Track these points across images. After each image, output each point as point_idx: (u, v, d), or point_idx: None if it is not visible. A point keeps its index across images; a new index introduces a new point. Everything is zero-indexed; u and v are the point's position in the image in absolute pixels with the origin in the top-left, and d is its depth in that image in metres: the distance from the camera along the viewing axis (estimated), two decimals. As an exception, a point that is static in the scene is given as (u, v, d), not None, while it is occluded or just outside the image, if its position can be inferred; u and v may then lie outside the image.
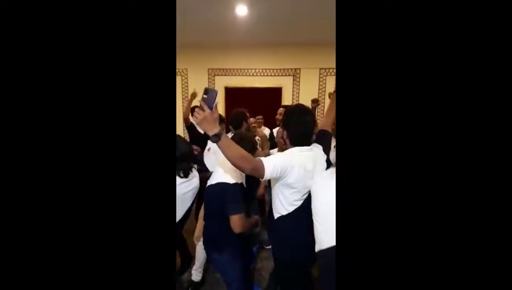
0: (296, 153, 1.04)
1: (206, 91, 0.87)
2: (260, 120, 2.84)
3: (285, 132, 1.11)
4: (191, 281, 1.70)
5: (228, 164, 1.03)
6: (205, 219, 1.29)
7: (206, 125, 0.85)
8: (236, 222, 1.09)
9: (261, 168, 0.93)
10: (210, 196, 1.19)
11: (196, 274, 1.71)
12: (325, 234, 0.87)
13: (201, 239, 1.65)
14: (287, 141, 1.10)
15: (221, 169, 1.19)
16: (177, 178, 1.14)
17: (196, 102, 2.71)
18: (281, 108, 2.24)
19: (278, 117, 2.21)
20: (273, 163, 0.95)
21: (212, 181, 1.20)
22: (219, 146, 0.88)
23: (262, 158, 0.96)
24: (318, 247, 0.91)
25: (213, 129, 0.86)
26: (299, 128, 1.06)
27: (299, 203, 1.04)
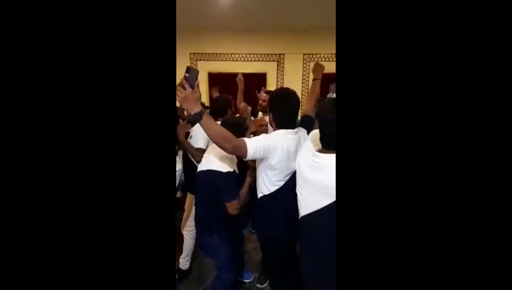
0: (280, 135, 1.06)
1: (188, 70, 0.86)
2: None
3: (270, 115, 1.12)
4: (179, 269, 1.72)
5: (218, 151, 1.06)
6: (196, 204, 1.30)
7: (187, 104, 0.85)
8: (233, 207, 1.13)
9: (243, 148, 0.94)
10: (202, 183, 1.19)
11: (183, 263, 1.72)
12: (303, 203, 0.91)
13: (189, 228, 1.65)
14: (273, 124, 1.12)
15: (212, 155, 1.19)
16: None
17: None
18: (264, 94, 2.20)
19: (262, 103, 2.18)
20: (255, 143, 0.96)
21: (202, 167, 1.20)
22: (201, 125, 0.89)
23: (245, 139, 0.98)
24: (299, 217, 0.95)
25: (194, 108, 0.86)
26: (284, 111, 1.07)
27: (281, 183, 1.07)
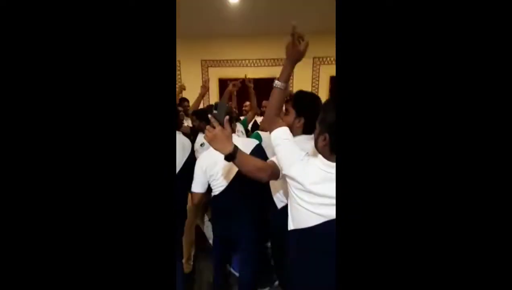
0: (303, 142, 1.00)
1: (216, 106, 0.81)
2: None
3: (299, 120, 1.04)
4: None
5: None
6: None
7: (217, 144, 0.79)
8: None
9: (277, 172, 0.88)
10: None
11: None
12: (308, 214, 0.81)
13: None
14: (299, 130, 1.05)
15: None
16: None
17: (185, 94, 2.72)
18: (265, 101, 2.23)
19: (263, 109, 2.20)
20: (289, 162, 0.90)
21: None
22: (235, 164, 0.83)
23: (274, 159, 0.91)
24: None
25: (227, 148, 0.78)
26: (314, 115, 0.96)
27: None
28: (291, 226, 0.83)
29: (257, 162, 0.87)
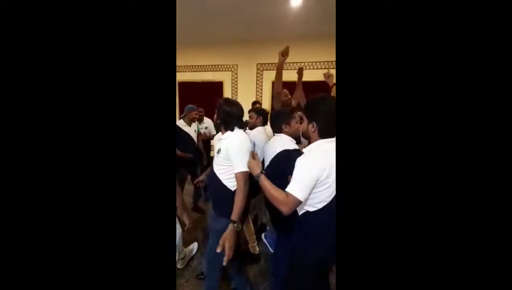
0: (327, 150, 0.97)
1: None
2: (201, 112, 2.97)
3: (312, 124, 1.01)
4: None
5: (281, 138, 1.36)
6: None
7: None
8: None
9: (296, 202, 0.94)
10: (277, 161, 1.37)
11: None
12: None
13: None
14: (314, 135, 1.02)
15: (278, 139, 1.41)
16: None
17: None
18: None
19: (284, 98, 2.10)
20: (302, 185, 0.93)
21: (275, 149, 1.38)
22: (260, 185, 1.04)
23: (291, 188, 0.94)
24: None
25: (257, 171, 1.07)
26: (326, 118, 0.98)
27: (330, 199, 0.97)
28: None
29: (277, 193, 0.98)
